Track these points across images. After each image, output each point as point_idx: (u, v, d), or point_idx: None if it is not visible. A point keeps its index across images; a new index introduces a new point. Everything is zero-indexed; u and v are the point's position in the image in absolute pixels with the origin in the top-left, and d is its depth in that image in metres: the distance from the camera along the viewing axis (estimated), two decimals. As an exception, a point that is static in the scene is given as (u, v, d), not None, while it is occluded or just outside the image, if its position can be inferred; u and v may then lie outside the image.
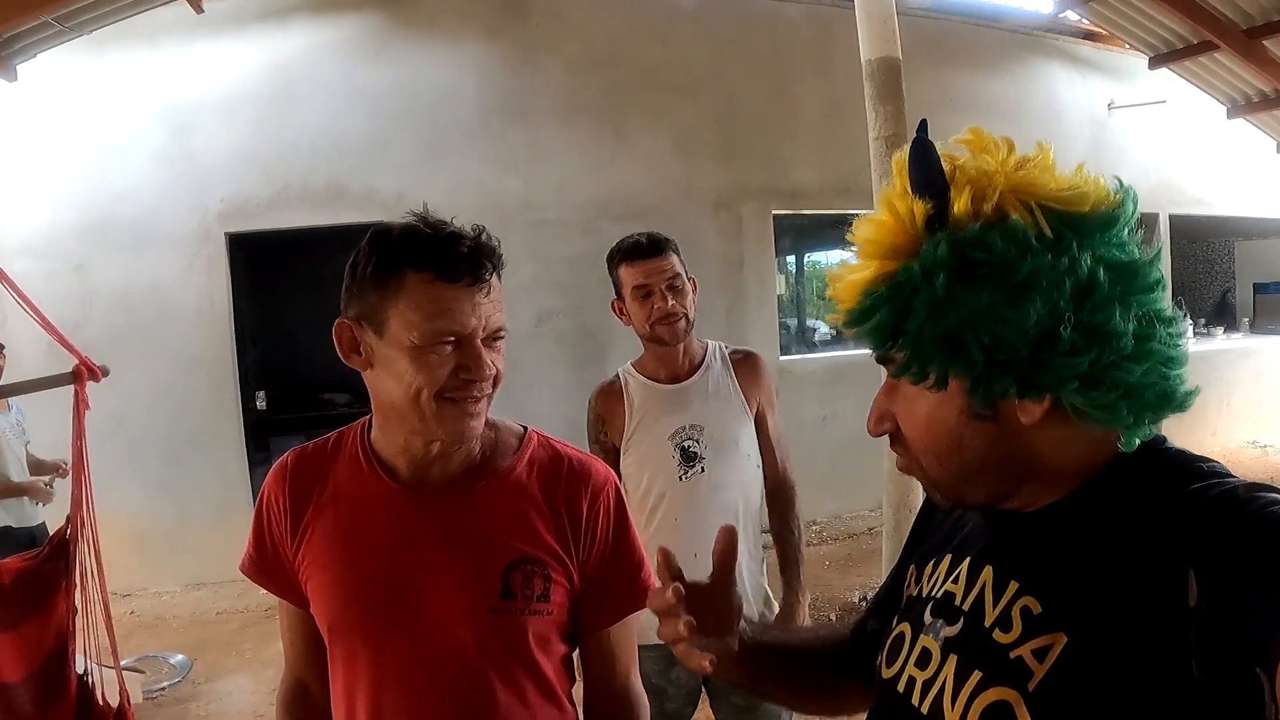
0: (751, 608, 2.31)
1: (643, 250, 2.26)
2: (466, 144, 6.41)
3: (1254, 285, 11.37)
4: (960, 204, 0.77)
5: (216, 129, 6.16)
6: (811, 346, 8.06)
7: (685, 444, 2.29)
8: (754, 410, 2.38)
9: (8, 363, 4.65)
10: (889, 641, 0.98)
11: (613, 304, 2.36)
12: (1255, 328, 10.41)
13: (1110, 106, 8.22)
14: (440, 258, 1.14)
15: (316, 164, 6.25)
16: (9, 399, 4.76)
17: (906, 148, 0.81)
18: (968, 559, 0.91)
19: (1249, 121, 7.60)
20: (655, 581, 1.35)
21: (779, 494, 2.45)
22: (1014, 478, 0.83)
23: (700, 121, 6.95)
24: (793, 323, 8.29)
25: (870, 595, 1.30)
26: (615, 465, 2.35)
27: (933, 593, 0.95)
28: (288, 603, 1.36)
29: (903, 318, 0.79)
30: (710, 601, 1.05)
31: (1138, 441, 0.80)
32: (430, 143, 6.34)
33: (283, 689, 1.42)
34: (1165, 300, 0.80)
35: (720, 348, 2.43)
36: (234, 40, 6.19)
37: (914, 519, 1.13)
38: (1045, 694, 0.75)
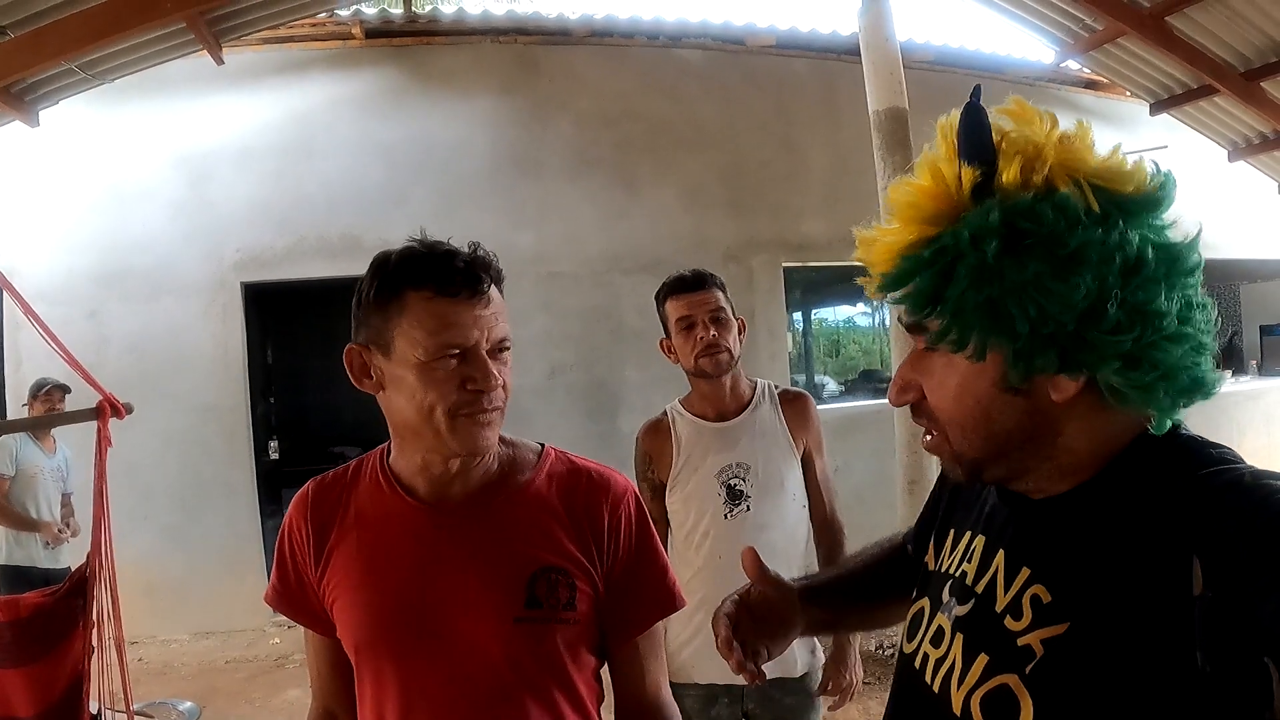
0: (795, 654, 2.29)
1: (686, 283, 2.29)
2: (479, 197, 6.50)
3: (1260, 328, 11.33)
4: (1010, 174, 0.77)
5: (233, 179, 6.25)
6: (820, 400, 8.07)
7: (731, 482, 2.29)
8: (801, 451, 2.38)
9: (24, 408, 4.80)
10: (910, 615, 0.99)
11: (661, 342, 2.38)
12: (1263, 370, 10.36)
13: (1113, 154, 8.28)
14: (437, 274, 1.17)
15: (332, 216, 6.33)
16: (57, 444, 4.89)
17: (957, 112, 0.80)
18: (982, 539, 0.91)
19: (1250, 164, 7.64)
20: (681, 589, 1.38)
21: (826, 535, 2.43)
22: (1036, 455, 0.82)
23: (709, 175, 7.02)
24: (802, 379, 8.28)
25: (887, 642, 1.33)
26: (661, 502, 2.35)
27: (950, 569, 0.95)
28: (313, 632, 1.37)
29: (945, 283, 0.78)
30: (769, 605, 1.10)
31: (1169, 424, 0.79)
32: (444, 196, 6.43)
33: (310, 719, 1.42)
34: (1199, 286, 0.80)
35: (769, 386, 2.43)
36: (253, 92, 6.32)
37: (935, 483, 1.14)
38: (1042, 674, 0.75)
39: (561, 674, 1.26)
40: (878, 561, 1.27)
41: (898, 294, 0.82)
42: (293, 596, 1.35)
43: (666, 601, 1.35)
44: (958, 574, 0.92)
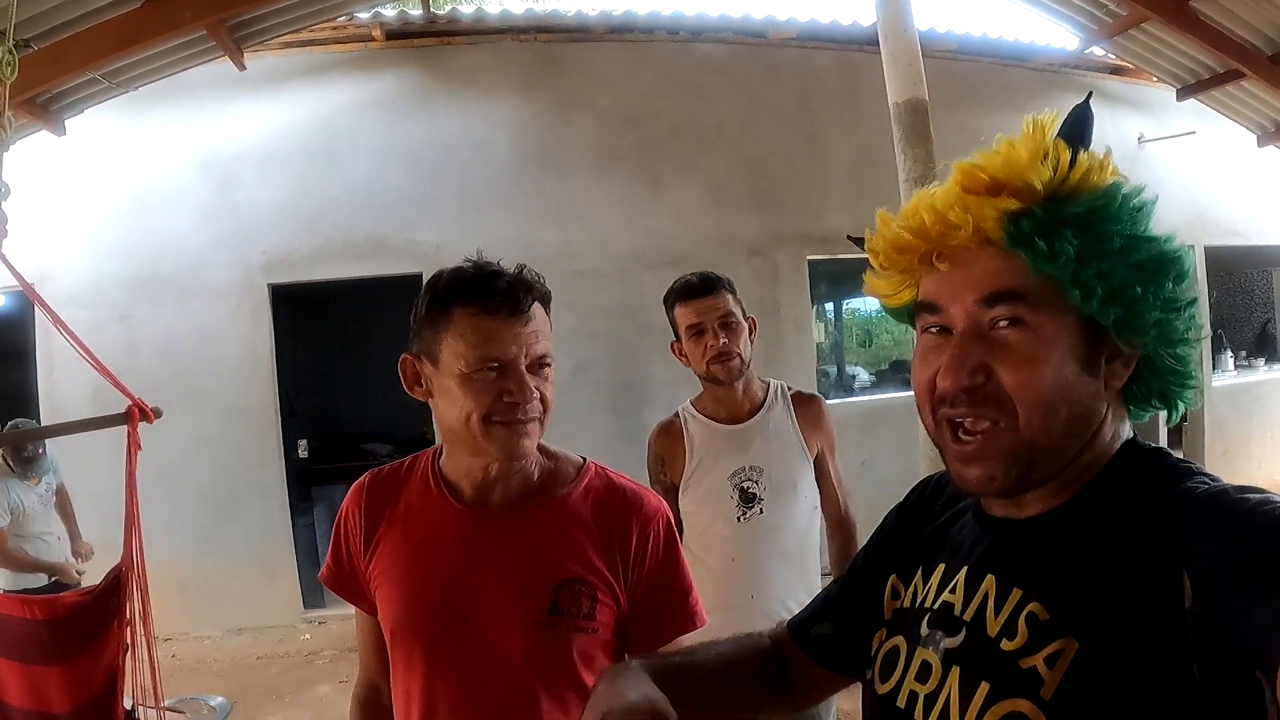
0: None
1: (694, 289, 2.29)
2: (503, 197, 6.51)
3: (1293, 313, 11.17)
4: (1106, 173, 0.83)
5: (259, 183, 6.31)
6: (851, 392, 8.02)
7: (744, 485, 2.29)
8: (813, 453, 2.38)
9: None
10: (880, 655, 0.97)
11: (672, 345, 2.39)
12: (1297, 358, 10.21)
13: (1140, 140, 8.20)
14: (482, 292, 1.28)
15: (357, 217, 6.36)
16: (40, 475, 4.75)
17: (1050, 112, 0.85)
18: (964, 568, 0.90)
19: (1280, 148, 7.56)
20: (702, 608, 1.43)
21: (839, 531, 2.43)
22: (1073, 450, 0.83)
23: (732, 170, 6.99)
24: (832, 370, 8.27)
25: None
26: (674, 504, 2.34)
27: (925, 603, 0.94)
28: (361, 610, 1.49)
29: (1093, 238, 0.79)
30: None
31: (1176, 417, 0.88)
32: (468, 196, 6.45)
33: (357, 689, 1.56)
34: None
35: (782, 388, 2.43)
36: (275, 97, 6.36)
37: (880, 527, 1.12)
38: (1062, 702, 0.74)
39: (574, 677, 1.34)
40: (737, 657, 1.13)
41: (1035, 245, 0.79)
42: (344, 577, 1.48)
43: (687, 620, 1.42)
44: (936, 606, 0.91)
